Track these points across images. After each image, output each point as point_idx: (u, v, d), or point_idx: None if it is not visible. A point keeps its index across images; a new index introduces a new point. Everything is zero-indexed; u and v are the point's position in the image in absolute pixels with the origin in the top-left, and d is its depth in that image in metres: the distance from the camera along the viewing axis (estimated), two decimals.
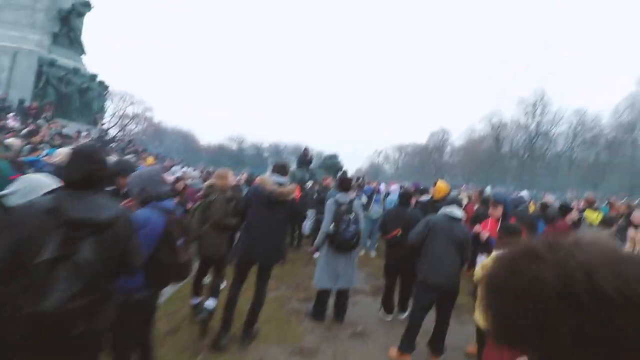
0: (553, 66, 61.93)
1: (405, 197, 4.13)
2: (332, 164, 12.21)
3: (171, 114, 76.51)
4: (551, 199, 10.54)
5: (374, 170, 53.47)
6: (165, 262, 1.83)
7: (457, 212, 3.24)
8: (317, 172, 11.76)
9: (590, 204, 5.40)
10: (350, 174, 17.74)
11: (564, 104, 40.89)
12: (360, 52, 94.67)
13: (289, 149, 53.93)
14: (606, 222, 3.97)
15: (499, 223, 3.30)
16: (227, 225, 3.27)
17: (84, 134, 17.20)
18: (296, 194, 5.68)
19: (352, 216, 3.38)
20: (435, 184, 5.31)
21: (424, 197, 6.49)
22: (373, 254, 7.39)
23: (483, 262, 2.84)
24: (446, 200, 3.87)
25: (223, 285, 4.23)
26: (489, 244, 3.38)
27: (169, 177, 4.30)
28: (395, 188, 8.42)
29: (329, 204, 3.53)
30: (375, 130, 77.61)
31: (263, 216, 2.98)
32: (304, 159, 12.29)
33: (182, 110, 77.06)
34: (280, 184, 2.98)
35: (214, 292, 3.39)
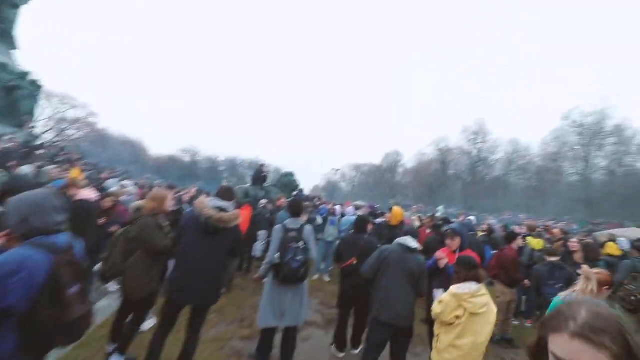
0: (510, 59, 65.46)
1: (361, 223, 3.92)
2: (287, 182, 11.86)
3: (118, 121, 70.32)
4: (493, 223, 11.22)
5: (331, 188, 54.06)
6: (47, 319, 1.36)
7: (412, 242, 3.11)
8: (272, 190, 11.31)
9: (532, 231, 5.70)
10: (306, 191, 17.52)
11: (501, 134, 45.45)
12: (321, 66, 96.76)
13: (246, 164, 52.74)
14: (550, 252, 4.15)
15: (456, 254, 3.21)
16: (158, 248, 2.71)
17: (6, 137, 15.04)
18: (243, 219, 5.23)
19: (300, 244, 3.04)
20: (390, 209, 5.23)
21: (378, 220, 6.45)
22: (327, 278, 7.09)
23: (441, 297, 2.68)
24: (402, 229, 3.74)
25: (151, 323, 3.63)
26: (446, 273, 3.26)
27: (89, 194, 3.65)
28: (350, 209, 8.31)
29: (276, 230, 3.19)
30: (334, 148, 78.84)
31: (198, 247, 2.52)
32: (259, 175, 11.80)
33: (131, 118, 71.33)
34: (222, 209, 2.58)
35: (123, 344, 2.79)
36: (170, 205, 2.94)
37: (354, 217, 7.46)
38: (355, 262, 3.60)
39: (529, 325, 5.47)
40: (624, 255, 4.94)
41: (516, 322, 5.32)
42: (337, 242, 7.38)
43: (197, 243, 2.52)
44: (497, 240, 6.92)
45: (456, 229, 3.35)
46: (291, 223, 3.24)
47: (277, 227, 3.22)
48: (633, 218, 29.27)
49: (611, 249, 5.12)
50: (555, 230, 7.25)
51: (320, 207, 8.89)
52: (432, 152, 49.86)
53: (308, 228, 3.27)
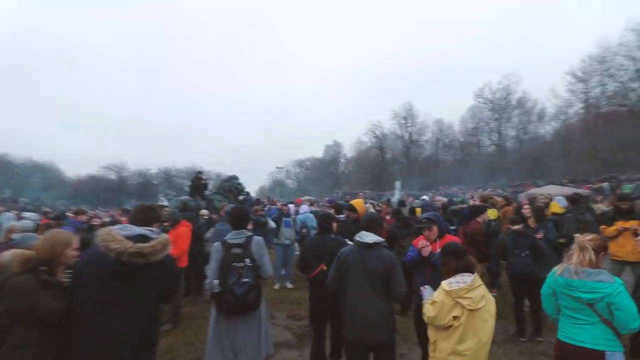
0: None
1: (325, 221, 3.36)
2: (231, 187, 10.89)
3: (22, 144, 58.52)
4: (440, 199, 11.67)
5: (277, 187, 53.20)
6: None
7: (368, 236, 2.53)
8: (214, 198, 10.27)
9: (485, 201, 5.81)
10: (252, 194, 16.53)
11: (427, 116, 48.89)
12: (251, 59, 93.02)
13: (182, 174, 49.02)
14: (514, 221, 4.14)
15: (437, 244, 2.87)
16: (44, 315, 1.73)
17: None
18: (181, 239, 4.32)
19: (247, 262, 2.41)
20: (351, 206, 4.86)
21: (340, 216, 6.05)
22: (289, 285, 6.50)
23: (431, 296, 2.31)
24: (360, 222, 3.16)
25: None
26: (431, 264, 2.90)
27: None
28: (304, 207, 7.81)
29: (215, 249, 2.53)
30: (275, 145, 76.83)
31: (108, 301, 1.71)
32: (198, 184, 10.65)
33: (37, 139, 59.77)
34: (141, 237, 1.81)
35: None
36: (72, 254, 1.97)
37: (307, 215, 7.00)
38: (325, 268, 3.08)
39: (494, 294, 5.57)
40: (567, 211, 5.23)
41: None
42: (296, 244, 6.83)
43: (105, 294, 1.69)
44: (450, 215, 7.04)
45: (431, 217, 3.01)
46: (233, 237, 2.59)
47: (215, 246, 2.55)
48: (542, 177, 33.94)
49: (555, 207, 5.42)
50: (498, 198, 7.63)
51: (272, 208, 8.24)
52: (370, 139, 51.93)
53: (257, 240, 2.64)
